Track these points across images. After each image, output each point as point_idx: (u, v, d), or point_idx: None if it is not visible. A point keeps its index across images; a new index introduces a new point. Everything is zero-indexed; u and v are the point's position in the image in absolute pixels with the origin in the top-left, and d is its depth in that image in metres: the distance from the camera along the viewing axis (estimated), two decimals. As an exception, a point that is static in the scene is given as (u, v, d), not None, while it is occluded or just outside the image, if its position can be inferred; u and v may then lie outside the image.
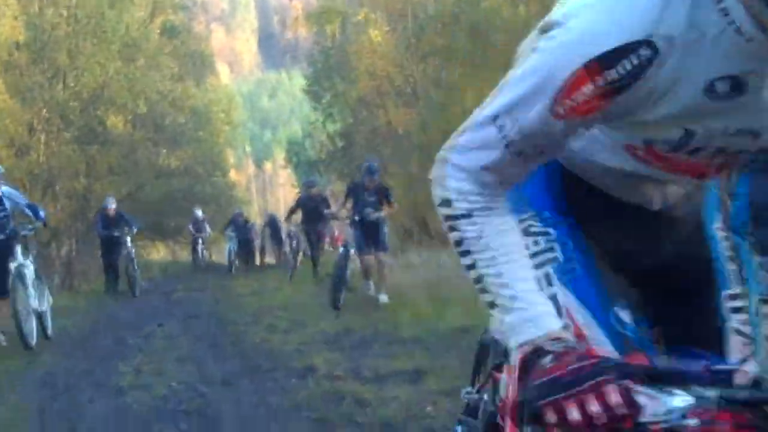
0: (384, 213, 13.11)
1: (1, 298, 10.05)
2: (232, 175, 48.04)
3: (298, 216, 18.48)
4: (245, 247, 28.28)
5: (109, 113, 27.97)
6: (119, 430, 6.22)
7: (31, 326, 10.02)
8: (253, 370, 8.27)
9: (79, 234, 26.33)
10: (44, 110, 24.21)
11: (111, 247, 18.37)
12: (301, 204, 18.20)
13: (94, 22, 24.68)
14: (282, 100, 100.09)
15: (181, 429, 6.15)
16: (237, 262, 26.90)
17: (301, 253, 21.37)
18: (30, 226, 10.70)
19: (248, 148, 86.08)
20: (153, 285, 20.98)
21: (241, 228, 28.26)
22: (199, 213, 27.99)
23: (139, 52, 26.94)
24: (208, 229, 27.98)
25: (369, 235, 13.05)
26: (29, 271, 10.35)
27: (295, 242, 21.22)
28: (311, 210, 17.34)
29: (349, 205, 13.43)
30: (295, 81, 56.35)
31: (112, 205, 18.34)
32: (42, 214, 10.84)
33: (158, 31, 29.72)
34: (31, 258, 10.68)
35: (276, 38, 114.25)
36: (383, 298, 12.90)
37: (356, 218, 13.02)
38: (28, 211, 10.69)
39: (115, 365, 8.94)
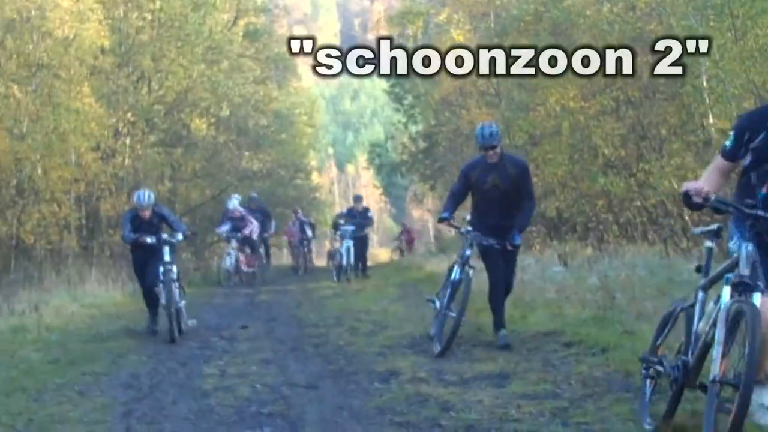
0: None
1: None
2: (315, 177, 48.21)
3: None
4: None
5: (193, 116, 28.19)
6: None
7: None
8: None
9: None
10: (129, 114, 24.48)
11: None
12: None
13: (177, 25, 24.85)
14: (364, 103, 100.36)
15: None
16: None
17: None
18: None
19: (330, 151, 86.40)
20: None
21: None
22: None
23: (221, 55, 27.05)
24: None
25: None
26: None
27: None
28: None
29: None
30: (377, 83, 56.35)
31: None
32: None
33: (241, 34, 29.83)
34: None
35: (357, 41, 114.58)
36: None
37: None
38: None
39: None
